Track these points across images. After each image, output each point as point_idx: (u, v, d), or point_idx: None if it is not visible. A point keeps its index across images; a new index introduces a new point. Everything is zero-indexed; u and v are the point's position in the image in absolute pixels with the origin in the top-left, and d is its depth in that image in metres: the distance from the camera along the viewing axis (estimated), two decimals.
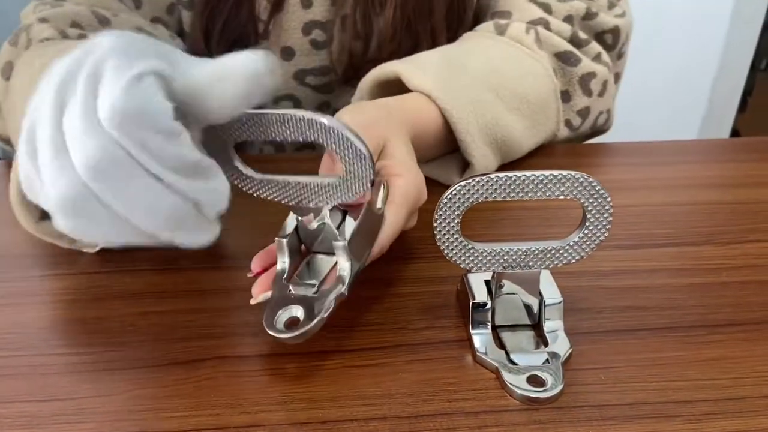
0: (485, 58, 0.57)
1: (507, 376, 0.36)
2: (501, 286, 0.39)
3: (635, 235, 0.48)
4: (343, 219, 0.38)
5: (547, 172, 0.35)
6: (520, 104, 0.55)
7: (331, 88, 0.65)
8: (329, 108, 0.67)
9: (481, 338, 0.38)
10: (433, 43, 0.60)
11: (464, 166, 0.54)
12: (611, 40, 0.63)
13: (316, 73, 0.64)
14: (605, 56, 0.62)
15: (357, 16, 0.61)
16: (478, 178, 0.35)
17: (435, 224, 0.36)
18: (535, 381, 0.36)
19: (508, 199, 0.36)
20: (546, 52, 0.59)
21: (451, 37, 0.62)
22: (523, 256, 0.37)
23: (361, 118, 0.44)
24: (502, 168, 0.56)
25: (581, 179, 0.35)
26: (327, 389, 0.35)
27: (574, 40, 0.60)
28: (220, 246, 0.46)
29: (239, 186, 0.38)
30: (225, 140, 0.37)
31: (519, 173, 0.35)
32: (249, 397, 0.34)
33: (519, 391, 0.35)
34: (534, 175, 0.35)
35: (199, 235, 0.34)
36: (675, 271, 0.44)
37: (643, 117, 1.64)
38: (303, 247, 0.40)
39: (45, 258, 0.45)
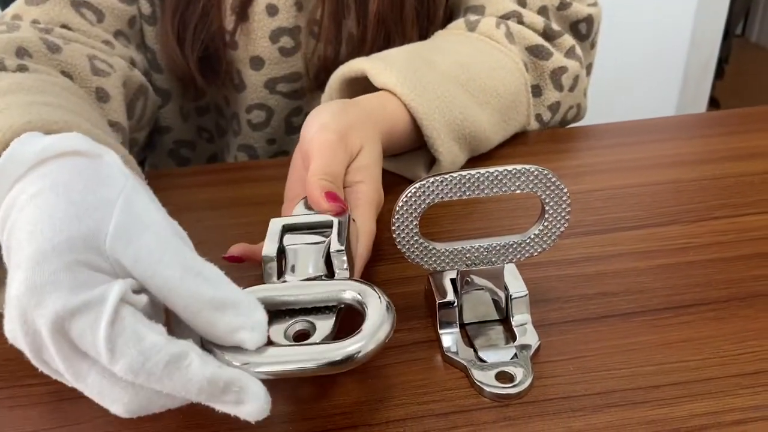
0: (454, 54, 0.56)
1: (476, 374, 0.36)
2: (467, 282, 0.39)
3: (601, 219, 0.48)
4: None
5: (501, 168, 0.35)
6: (490, 98, 0.55)
7: (303, 93, 0.65)
8: (302, 113, 0.66)
9: (449, 337, 0.38)
10: (404, 43, 0.59)
11: (431, 161, 0.54)
12: (585, 30, 0.63)
13: (287, 80, 0.63)
14: (578, 50, 0.61)
15: (326, 21, 0.60)
16: (432, 179, 0.35)
17: (393, 227, 0.36)
18: (504, 377, 0.36)
19: (465, 197, 0.35)
20: (517, 46, 0.58)
21: (423, 37, 0.62)
22: (485, 253, 0.37)
23: (345, 120, 0.44)
24: (471, 160, 0.56)
25: (536, 173, 0.35)
26: (296, 401, 0.35)
27: (547, 33, 0.60)
28: None
29: None
30: None
31: (473, 171, 0.35)
32: (218, 416, 0.34)
33: (488, 389, 0.35)
34: (488, 171, 0.35)
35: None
36: (642, 253, 0.44)
37: (620, 93, 1.65)
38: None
39: None
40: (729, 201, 0.50)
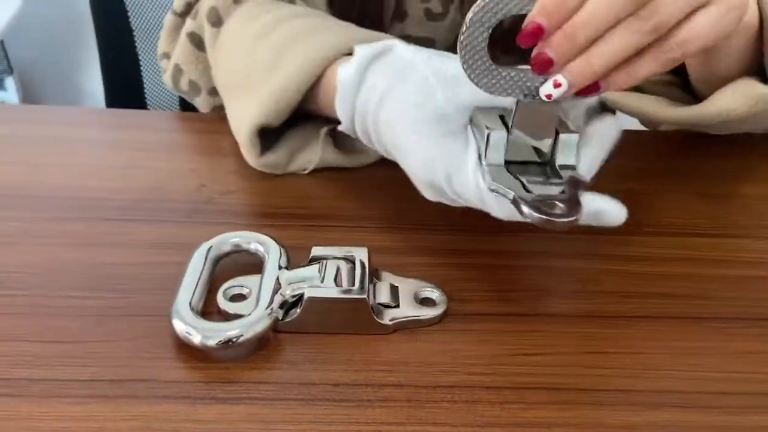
0: None
1: (523, 205, 0.32)
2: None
3: (671, 223, 0.46)
4: None
5: None
6: None
7: None
8: None
9: (494, 170, 0.35)
10: None
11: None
12: None
13: (420, 42, 0.61)
14: None
15: None
16: None
17: (461, 39, 0.33)
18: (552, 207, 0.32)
19: None
20: None
21: None
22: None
23: None
24: None
25: None
26: (342, 351, 0.34)
27: None
28: (238, 204, 0.45)
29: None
30: None
31: None
32: (261, 354, 0.33)
33: (536, 214, 0.31)
34: None
35: None
36: (710, 261, 0.42)
37: None
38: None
39: (61, 200, 0.44)
40: None
